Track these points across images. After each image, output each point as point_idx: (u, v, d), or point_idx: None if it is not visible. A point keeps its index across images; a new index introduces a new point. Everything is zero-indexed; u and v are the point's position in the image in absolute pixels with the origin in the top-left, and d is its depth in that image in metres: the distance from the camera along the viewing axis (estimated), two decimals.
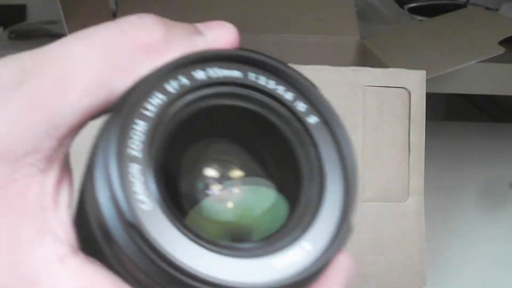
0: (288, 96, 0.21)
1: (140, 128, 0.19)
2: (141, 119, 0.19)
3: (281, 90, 0.21)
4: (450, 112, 1.15)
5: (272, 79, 0.21)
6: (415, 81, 0.42)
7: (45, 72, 0.20)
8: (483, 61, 0.51)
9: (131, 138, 0.19)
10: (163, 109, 0.19)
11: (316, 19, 0.67)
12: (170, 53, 0.21)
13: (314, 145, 0.21)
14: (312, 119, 0.21)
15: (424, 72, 0.42)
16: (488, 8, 0.79)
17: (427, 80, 0.42)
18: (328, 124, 0.21)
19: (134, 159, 0.18)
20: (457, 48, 0.54)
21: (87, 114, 0.20)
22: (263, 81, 0.21)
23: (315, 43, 0.66)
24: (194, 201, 0.22)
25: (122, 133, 0.19)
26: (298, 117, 0.21)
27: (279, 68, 0.21)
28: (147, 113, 0.19)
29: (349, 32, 0.66)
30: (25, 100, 0.19)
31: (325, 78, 0.40)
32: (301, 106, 0.21)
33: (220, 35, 0.22)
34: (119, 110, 0.19)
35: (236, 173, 0.23)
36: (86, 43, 0.20)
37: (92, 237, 0.20)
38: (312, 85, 0.21)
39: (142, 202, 0.18)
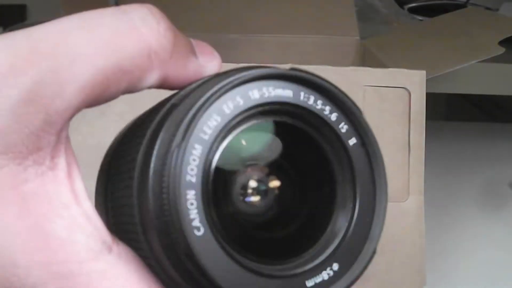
0: (333, 116, 0.22)
1: (197, 153, 0.19)
2: (199, 143, 0.19)
3: (327, 110, 0.22)
4: (450, 112, 1.15)
5: (320, 99, 0.22)
6: (415, 81, 0.42)
7: (41, 64, 0.18)
8: (483, 61, 0.51)
9: (189, 164, 0.19)
10: (219, 131, 0.20)
11: (316, 19, 0.67)
12: (169, 66, 0.21)
13: (351, 167, 0.22)
14: (352, 141, 0.22)
15: (424, 72, 0.42)
16: (488, 8, 0.79)
17: (427, 80, 0.42)
18: (366, 147, 0.23)
19: (191, 186, 0.19)
20: (457, 48, 0.54)
21: (82, 107, 0.20)
22: (312, 100, 0.22)
23: (315, 43, 0.66)
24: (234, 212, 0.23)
25: (182, 161, 0.19)
26: (340, 138, 0.22)
27: (328, 89, 0.22)
28: (204, 136, 0.19)
29: (349, 32, 0.66)
30: (21, 94, 0.18)
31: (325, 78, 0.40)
32: (343, 127, 0.22)
33: (209, 62, 0.23)
34: (180, 134, 0.19)
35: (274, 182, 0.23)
36: (88, 35, 0.19)
37: (132, 230, 0.20)
38: (357, 107, 0.22)
39: (198, 229, 0.19)
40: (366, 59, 0.63)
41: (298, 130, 0.22)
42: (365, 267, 0.22)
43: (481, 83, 0.63)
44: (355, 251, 0.22)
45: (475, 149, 0.76)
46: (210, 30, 0.63)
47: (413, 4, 0.82)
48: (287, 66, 0.22)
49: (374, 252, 0.22)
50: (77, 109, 0.19)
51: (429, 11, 0.79)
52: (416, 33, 0.64)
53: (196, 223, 0.19)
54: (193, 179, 0.19)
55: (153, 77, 0.21)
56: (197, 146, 0.19)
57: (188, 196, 0.19)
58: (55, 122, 0.19)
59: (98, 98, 0.20)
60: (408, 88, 0.41)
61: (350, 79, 0.41)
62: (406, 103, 0.41)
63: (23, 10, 1.06)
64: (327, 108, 0.22)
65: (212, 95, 0.19)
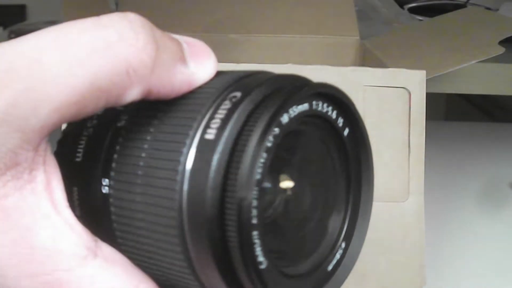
0: (340, 122, 0.23)
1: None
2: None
3: (334, 115, 0.23)
4: (450, 112, 1.15)
5: (330, 106, 0.23)
6: (415, 81, 0.42)
7: (14, 85, 0.18)
8: (483, 61, 0.51)
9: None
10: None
11: (316, 19, 0.66)
12: (152, 81, 0.20)
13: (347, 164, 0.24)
14: (352, 146, 0.24)
15: (424, 72, 0.42)
16: (488, 8, 0.79)
17: (427, 80, 0.42)
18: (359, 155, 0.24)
19: (254, 227, 0.19)
20: (457, 48, 0.54)
21: (59, 124, 0.19)
22: (322, 107, 0.23)
23: (315, 43, 0.66)
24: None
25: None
26: (344, 143, 0.24)
27: (339, 99, 0.23)
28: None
29: (349, 32, 0.66)
30: None
31: (325, 78, 0.40)
32: (346, 131, 0.24)
33: (202, 68, 0.22)
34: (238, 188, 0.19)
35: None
36: (63, 55, 0.19)
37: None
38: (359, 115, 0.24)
39: (261, 264, 0.20)
40: (366, 59, 0.63)
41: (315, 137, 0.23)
42: (367, 226, 0.25)
43: (481, 83, 0.63)
44: (356, 225, 0.25)
45: (475, 149, 0.76)
46: (210, 30, 0.63)
47: (413, 4, 0.82)
48: (286, 66, 0.22)
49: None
50: (55, 126, 0.19)
51: (429, 11, 0.79)
52: (416, 33, 0.64)
53: (260, 258, 0.20)
54: (255, 221, 0.19)
55: (133, 93, 0.20)
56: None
57: (252, 235, 0.19)
58: (32, 139, 0.19)
59: (76, 115, 0.19)
60: (408, 88, 0.41)
61: (350, 79, 0.41)
62: (406, 103, 0.41)
63: (23, 10, 1.06)
64: (334, 114, 0.23)
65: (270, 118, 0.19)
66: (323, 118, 0.23)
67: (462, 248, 0.57)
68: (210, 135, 0.19)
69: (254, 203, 0.19)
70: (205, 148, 0.19)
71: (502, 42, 0.52)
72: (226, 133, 0.19)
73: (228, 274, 0.20)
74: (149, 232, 0.20)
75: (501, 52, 0.51)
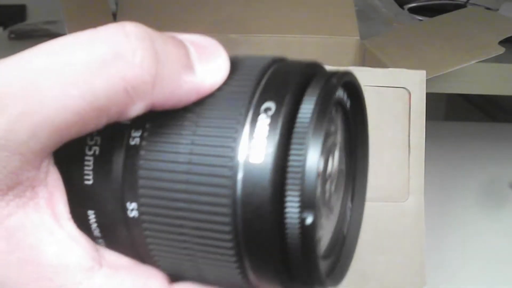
0: (348, 104, 0.23)
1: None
2: None
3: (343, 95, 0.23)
4: (450, 112, 1.15)
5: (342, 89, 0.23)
6: (415, 81, 0.42)
7: (11, 109, 0.18)
8: (483, 61, 0.51)
9: None
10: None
11: (316, 19, 0.67)
12: (154, 95, 0.19)
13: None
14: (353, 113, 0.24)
15: (424, 72, 0.42)
16: (488, 8, 0.79)
17: (427, 80, 0.42)
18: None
19: (317, 246, 0.19)
20: (457, 48, 0.54)
21: (60, 143, 0.19)
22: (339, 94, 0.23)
23: (315, 43, 0.66)
24: None
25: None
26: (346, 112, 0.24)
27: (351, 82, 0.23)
28: None
29: (349, 32, 0.66)
30: None
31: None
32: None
33: (212, 73, 0.20)
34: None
35: None
36: (58, 76, 0.18)
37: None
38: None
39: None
40: (366, 59, 0.63)
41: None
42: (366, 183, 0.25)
43: (481, 83, 0.63)
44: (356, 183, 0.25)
45: (475, 149, 0.76)
46: (210, 30, 0.63)
47: (413, 4, 0.82)
48: None
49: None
50: (57, 146, 0.19)
51: (429, 11, 0.79)
52: (416, 33, 0.64)
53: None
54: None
55: (136, 109, 0.19)
56: None
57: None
58: (32, 160, 0.19)
59: (77, 134, 0.19)
60: (408, 88, 0.41)
61: None
62: (406, 103, 0.41)
63: (23, 10, 1.06)
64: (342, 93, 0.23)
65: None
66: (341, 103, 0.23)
67: (462, 248, 0.57)
68: (257, 159, 0.19)
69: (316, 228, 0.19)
70: (253, 172, 0.18)
71: (502, 42, 0.52)
72: (274, 156, 0.18)
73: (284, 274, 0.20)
74: (199, 252, 0.20)
75: (501, 52, 0.51)
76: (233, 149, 0.19)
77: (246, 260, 0.19)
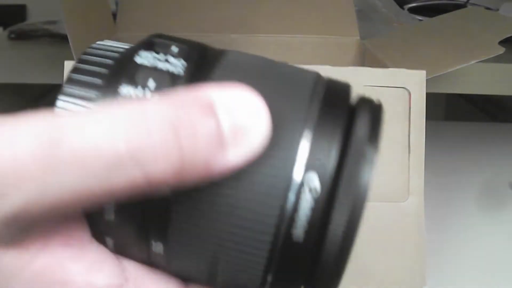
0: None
1: None
2: None
3: None
4: (450, 112, 1.15)
5: None
6: (415, 81, 0.42)
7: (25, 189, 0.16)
8: (483, 61, 0.51)
9: None
10: None
11: (316, 19, 0.67)
12: (183, 184, 0.17)
13: None
14: None
15: (424, 72, 0.42)
16: (488, 8, 0.79)
17: (427, 80, 0.42)
18: None
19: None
20: (457, 48, 0.54)
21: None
22: None
23: (315, 43, 0.66)
24: None
25: None
26: None
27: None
28: None
29: (349, 32, 0.66)
30: None
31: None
32: None
33: (245, 154, 0.17)
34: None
35: None
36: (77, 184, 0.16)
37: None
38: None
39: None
40: (366, 59, 0.63)
41: None
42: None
43: (481, 83, 0.63)
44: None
45: (475, 149, 0.76)
46: (210, 30, 0.63)
47: (413, 4, 0.82)
48: None
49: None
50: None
51: (429, 11, 0.79)
52: (416, 33, 0.64)
53: None
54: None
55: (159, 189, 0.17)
56: None
57: None
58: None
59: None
60: (408, 88, 0.41)
61: (350, 79, 0.41)
62: (406, 103, 0.41)
63: (23, 10, 1.06)
64: None
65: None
66: None
67: (462, 248, 0.57)
68: (298, 238, 0.18)
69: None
70: (292, 252, 0.18)
71: (502, 42, 0.52)
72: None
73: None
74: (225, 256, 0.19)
75: (501, 52, 0.51)
76: None
77: (269, 275, 0.19)
